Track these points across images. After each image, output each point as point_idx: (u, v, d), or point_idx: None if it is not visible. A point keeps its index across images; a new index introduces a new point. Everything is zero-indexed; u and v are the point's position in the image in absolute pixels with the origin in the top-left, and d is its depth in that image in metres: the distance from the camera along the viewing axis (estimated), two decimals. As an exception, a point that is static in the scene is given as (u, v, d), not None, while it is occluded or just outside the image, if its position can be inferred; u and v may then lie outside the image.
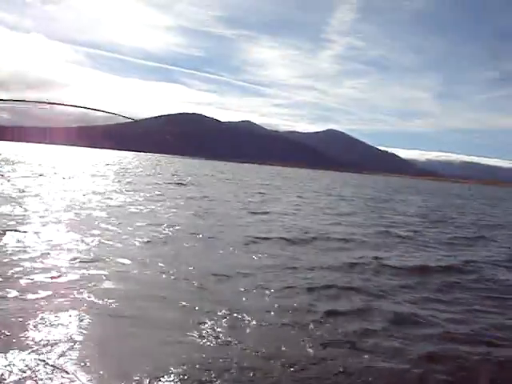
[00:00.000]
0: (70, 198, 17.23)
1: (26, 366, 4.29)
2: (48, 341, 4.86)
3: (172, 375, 4.41)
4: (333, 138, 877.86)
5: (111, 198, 18.88)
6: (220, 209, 18.52)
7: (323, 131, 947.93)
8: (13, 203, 14.35)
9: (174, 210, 16.51)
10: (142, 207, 16.63)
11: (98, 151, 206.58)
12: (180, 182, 34.25)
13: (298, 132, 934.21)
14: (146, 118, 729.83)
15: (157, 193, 23.45)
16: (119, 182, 29.67)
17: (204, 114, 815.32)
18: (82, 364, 4.45)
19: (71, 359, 4.52)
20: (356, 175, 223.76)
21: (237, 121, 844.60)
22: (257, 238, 12.03)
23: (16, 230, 10.06)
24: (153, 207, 16.92)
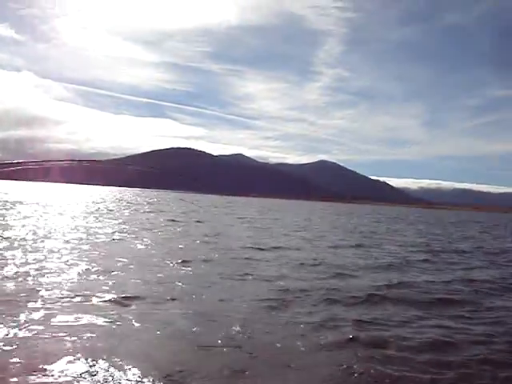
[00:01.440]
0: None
1: None
2: None
3: None
4: (324, 168, 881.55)
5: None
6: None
7: (314, 162, 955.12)
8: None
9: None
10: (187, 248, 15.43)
11: (91, 187, 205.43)
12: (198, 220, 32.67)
13: (288, 164, 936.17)
14: (138, 154, 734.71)
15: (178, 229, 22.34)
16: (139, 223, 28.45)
17: (195, 148, 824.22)
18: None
19: None
20: (348, 205, 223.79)
21: (228, 154, 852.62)
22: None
23: None
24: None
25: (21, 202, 42.37)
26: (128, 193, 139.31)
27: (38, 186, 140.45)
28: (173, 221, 30.28)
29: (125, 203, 60.16)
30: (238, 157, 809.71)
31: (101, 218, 28.28)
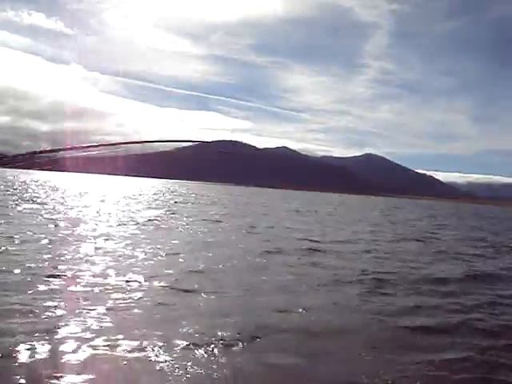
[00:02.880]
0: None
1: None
2: None
3: None
4: (370, 162, 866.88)
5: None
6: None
7: (360, 155, 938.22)
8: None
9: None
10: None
11: (139, 180, 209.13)
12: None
13: (334, 157, 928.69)
14: (185, 147, 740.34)
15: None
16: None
17: (241, 140, 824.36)
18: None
19: None
20: (396, 199, 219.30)
21: (273, 147, 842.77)
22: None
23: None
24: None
25: (87, 193, 43.36)
26: (176, 185, 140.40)
27: (78, 177, 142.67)
28: (297, 210, 30.55)
29: (194, 196, 60.79)
30: (283, 150, 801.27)
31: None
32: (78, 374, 4.78)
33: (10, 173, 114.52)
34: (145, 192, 62.18)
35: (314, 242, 17.32)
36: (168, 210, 28.01)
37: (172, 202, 41.34)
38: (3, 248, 11.16)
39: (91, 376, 4.76)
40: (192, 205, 38.63)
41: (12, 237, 13.01)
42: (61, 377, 4.65)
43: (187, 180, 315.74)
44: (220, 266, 11.06)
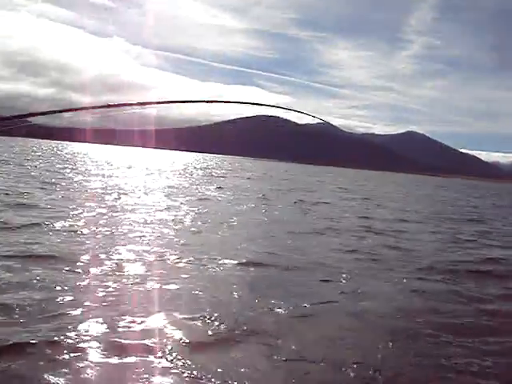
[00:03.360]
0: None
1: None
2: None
3: None
4: (412, 139, 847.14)
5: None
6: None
7: (402, 133, 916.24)
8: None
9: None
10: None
11: (178, 153, 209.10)
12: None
13: (375, 134, 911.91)
14: (225, 121, 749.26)
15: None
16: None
17: (282, 116, 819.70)
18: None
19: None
20: (437, 178, 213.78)
21: (314, 123, 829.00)
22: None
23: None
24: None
25: (146, 168, 43.31)
26: (215, 160, 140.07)
27: (116, 149, 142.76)
28: (340, 187, 29.79)
29: (239, 171, 60.32)
30: (324, 125, 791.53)
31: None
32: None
33: (50, 145, 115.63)
34: (190, 167, 61.78)
35: (377, 221, 16.31)
36: (219, 187, 27.09)
37: (217, 176, 40.74)
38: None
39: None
40: (241, 180, 37.83)
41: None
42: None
43: (224, 154, 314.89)
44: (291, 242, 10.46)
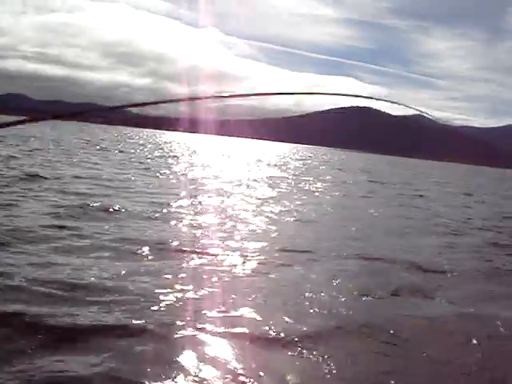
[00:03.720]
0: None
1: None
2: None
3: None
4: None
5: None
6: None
7: (503, 126, 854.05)
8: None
9: None
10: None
11: (270, 144, 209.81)
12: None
13: (474, 127, 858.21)
14: (319, 111, 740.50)
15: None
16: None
17: (375, 107, 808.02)
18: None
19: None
20: None
21: (409, 114, 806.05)
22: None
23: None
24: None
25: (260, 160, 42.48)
26: (308, 151, 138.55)
27: (208, 138, 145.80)
28: (436, 181, 28.00)
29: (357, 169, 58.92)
30: (419, 117, 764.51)
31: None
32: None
33: (143, 133, 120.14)
34: (288, 158, 60.91)
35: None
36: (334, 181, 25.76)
37: (322, 168, 39.46)
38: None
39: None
40: (342, 173, 36.25)
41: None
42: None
43: (316, 145, 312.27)
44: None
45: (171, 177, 18.14)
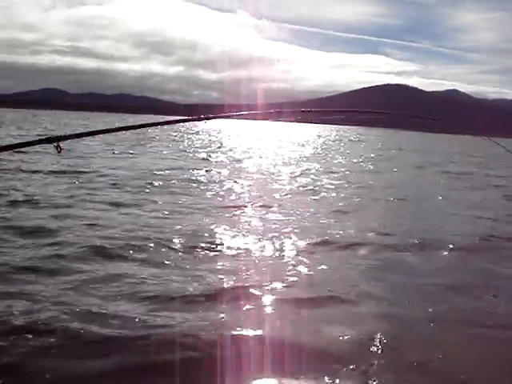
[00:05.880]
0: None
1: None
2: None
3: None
4: None
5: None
6: None
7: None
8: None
9: None
10: None
11: (304, 126, 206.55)
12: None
13: (509, 99, 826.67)
14: (350, 91, 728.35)
15: None
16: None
17: (407, 84, 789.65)
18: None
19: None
20: None
21: (442, 90, 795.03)
22: None
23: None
24: None
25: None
26: (342, 132, 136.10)
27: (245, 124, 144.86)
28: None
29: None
30: (452, 93, 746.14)
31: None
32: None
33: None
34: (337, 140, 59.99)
35: None
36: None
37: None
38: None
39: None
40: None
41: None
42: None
43: (351, 126, 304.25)
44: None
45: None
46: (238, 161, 21.01)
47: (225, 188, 12.13)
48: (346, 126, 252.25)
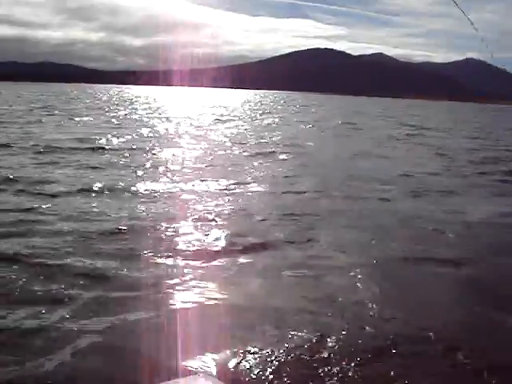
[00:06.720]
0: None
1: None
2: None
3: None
4: (472, 67, 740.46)
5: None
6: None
7: (461, 60, 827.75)
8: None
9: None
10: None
11: (231, 91, 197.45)
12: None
13: (434, 62, 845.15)
14: (277, 56, 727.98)
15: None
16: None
17: (335, 48, 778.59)
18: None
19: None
20: (500, 106, 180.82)
21: (369, 54, 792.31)
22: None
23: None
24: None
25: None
26: (273, 96, 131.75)
27: (176, 90, 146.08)
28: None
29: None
30: (379, 56, 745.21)
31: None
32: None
33: (111, 90, 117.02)
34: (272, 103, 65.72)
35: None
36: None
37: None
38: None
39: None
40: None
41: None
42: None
43: (279, 90, 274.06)
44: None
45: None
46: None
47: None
48: (285, 91, 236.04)
